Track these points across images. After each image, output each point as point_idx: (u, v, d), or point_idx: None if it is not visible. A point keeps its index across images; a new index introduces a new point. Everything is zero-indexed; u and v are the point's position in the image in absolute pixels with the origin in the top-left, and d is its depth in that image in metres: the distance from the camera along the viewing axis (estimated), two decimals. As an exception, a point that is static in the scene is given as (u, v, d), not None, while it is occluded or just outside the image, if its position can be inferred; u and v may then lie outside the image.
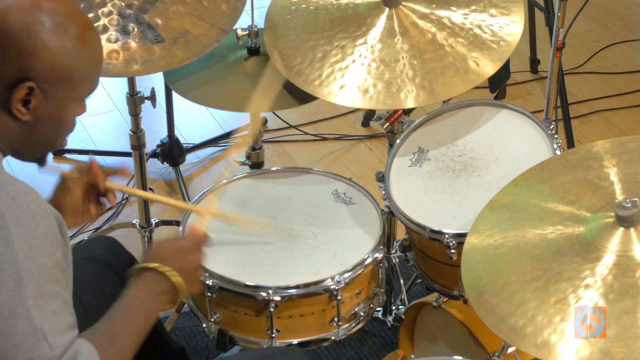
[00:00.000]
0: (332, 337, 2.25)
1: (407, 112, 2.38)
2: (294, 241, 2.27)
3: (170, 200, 2.32)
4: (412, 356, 2.45)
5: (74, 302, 1.97)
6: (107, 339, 1.66)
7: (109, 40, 2.34)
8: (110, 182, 2.00)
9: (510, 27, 2.33)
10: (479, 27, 2.33)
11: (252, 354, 2.17)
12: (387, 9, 2.35)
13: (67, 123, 1.68)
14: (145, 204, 2.86)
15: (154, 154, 3.45)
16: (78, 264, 2.14)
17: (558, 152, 2.25)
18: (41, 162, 1.74)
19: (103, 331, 1.69)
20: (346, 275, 2.18)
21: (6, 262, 1.48)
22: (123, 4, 2.37)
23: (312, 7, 2.43)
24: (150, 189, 3.31)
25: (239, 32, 2.48)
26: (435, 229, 2.17)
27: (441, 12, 2.35)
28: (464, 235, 1.95)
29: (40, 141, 1.67)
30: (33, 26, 1.57)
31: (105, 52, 2.32)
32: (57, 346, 1.52)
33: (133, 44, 2.34)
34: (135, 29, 2.35)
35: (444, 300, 2.32)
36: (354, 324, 2.28)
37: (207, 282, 2.17)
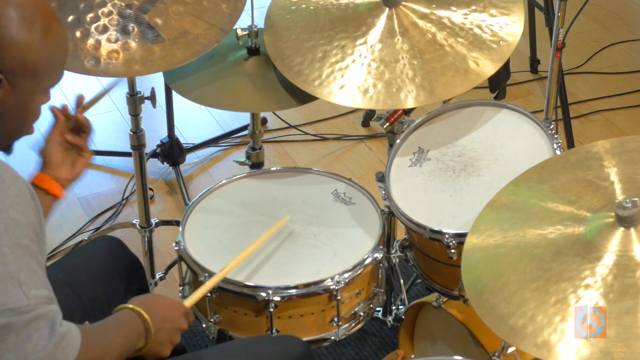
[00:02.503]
0: (332, 337, 2.25)
1: (407, 112, 2.38)
2: (294, 241, 2.27)
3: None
4: (412, 356, 2.45)
5: (73, 299, 1.98)
6: (94, 333, 1.66)
7: (109, 40, 2.34)
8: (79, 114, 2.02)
9: (510, 27, 2.33)
10: (479, 27, 2.33)
11: (247, 341, 2.16)
12: (387, 9, 2.35)
13: (33, 112, 1.71)
14: (145, 204, 2.86)
15: (154, 154, 3.45)
16: (80, 262, 2.15)
17: (558, 152, 2.25)
18: (8, 150, 1.74)
19: (93, 327, 1.69)
20: (346, 275, 2.18)
21: None
22: (123, 4, 2.37)
23: (312, 7, 2.43)
24: (151, 189, 3.31)
25: (239, 32, 2.48)
26: (435, 229, 2.17)
27: (441, 12, 2.35)
28: (464, 235, 1.94)
29: (7, 130, 1.69)
30: (1, 21, 1.58)
31: (105, 52, 2.33)
32: (32, 297, 1.52)
33: (133, 44, 2.34)
34: (135, 29, 2.35)
35: (444, 300, 2.32)
36: (353, 324, 2.28)
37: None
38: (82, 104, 2.04)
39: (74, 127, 2.01)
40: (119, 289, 2.10)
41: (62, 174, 1.98)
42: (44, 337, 1.52)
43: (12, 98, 1.63)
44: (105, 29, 2.35)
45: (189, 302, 1.94)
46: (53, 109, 2.00)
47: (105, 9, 2.37)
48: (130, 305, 1.78)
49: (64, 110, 2.01)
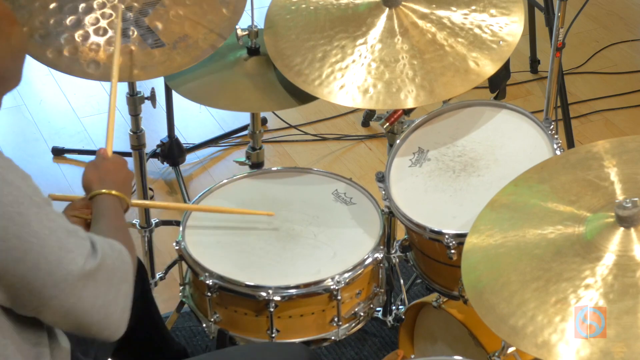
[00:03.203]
0: (332, 337, 2.25)
1: (407, 112, 2.38)
2: (293, 241, 2.27)
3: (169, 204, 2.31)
4: (412, 356, 2.45)
5: None
6: (120, 234, 1.77)
7: (108, 43, 2.34)
8: None
9: (510, 27, 2.33)
10: (479, 27, 2.33)
11: (251, 347, 2.16)
12: (387, 9, 2.35)
13: None
14: (145, 204, 2.86)
15: (154, 154, 3.45)
16: None
17: (558, 152, 2.25)
18: None
19: (111, 228, 1.80)
20: (346, 275, 2.18)
21: (20, 197, 1.55)
22: (123, 7, 2.37)
23: (312, 7, 2.43)
24: (151, 189, 3.31)
25: (239, 32, 2.48)
26: (435, 229, 2.17)
27: (441, 12, 2.35)
28: (464, 235, 1.94)
29: None
30: None
31: (105, 55, 2.32)
32: (85, 237, 1.62)
33: (133, 48, 2.34)
34: (135, 33, 2.35)
35: (444, 300, 2.32)
36: (354, 324, 2.28)
37: (207, 282, 2.17)
38: None
39: None
40: None
41: None
42: (122, 254, 1.68)
43: None
44: (105, 32, 2.35)
45: (109, 149, 2.01)
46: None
47: (106, 11, 2.37)
48: (105, 191, 1.88)
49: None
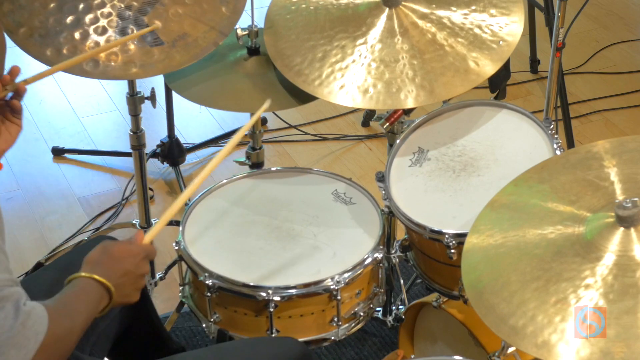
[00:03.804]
0: (332, 337, 2.25)
1: (407, 112, 2.38)
2: (294, 241, 2.27)
3: None
4: (412, 356, 2.45)
5: None
6: (59, 308, 1.64)
7: (107, 42, 2.34)
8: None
9: (510, 27, 2.33)
10: (479, 27, 2.33)
11: (245, 342, 2.16)
12: (387, 9, 2.35)
13: None
14: (145, 204, 2.85)
15: (154, 154, 3.45)
16: (77, 262, 2.14)
17: (558, 152, 2.25)
18: None
19: (55, 301, 1.67)
20: (346, 275, 2.18)
21: None
22: (122, 6, 2.37)
23: (312, 7, 2.43)
24: (151, 189, 3.30)
25: (239, 32, 2.48)
26: (435, 229, 2.17)
27: (441, 12, 2.35)
28: (464, 235, 1.94)
29: None
30: None
31: (104, 54, 2.32)
32: None
33: (132, 47, 2.34)
34: (134, 31, 2.35)
35: (444, 300, 2.32)
36: (353, 324, 2.28)
37: (207, 282, 2.17)
38: (16, 75, 1.89)
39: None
40: None
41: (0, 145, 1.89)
42: (9, 317, 1.53)
43: None
44: (104, 31, 2.35)
45: (148, 236, 1.82)
46: None
47: (105, 10, 2.37)
48: (84, 274, 1.72)
49: (2, 79, 1.87)
